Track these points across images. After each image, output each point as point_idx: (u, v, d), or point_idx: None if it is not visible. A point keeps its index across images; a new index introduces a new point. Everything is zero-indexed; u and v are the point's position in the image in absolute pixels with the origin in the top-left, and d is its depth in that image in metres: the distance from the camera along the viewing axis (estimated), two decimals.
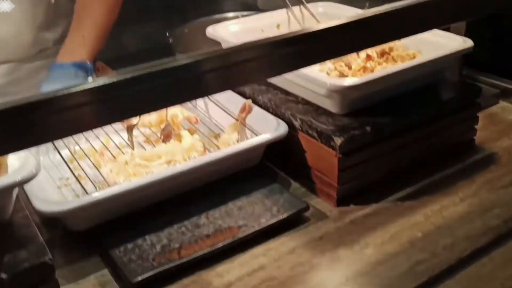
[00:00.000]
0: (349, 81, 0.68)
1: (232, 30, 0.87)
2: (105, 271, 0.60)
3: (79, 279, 0.59)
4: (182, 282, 0.58)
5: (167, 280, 0.57)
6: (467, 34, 0.82)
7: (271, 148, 0.73)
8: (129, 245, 0.61)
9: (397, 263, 0.58)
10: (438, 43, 0.75)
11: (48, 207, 0.57)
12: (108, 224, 0.63)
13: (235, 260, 0.61)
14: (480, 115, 0.89)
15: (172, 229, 0.63)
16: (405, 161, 0.72)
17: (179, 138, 0.74)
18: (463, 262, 0.58)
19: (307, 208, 0.66)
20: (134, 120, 0.75)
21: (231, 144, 0.71)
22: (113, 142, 0.75)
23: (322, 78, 0.71)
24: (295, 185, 0.73)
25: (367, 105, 0.70)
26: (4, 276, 0.45)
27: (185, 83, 0.36)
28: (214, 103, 0.81)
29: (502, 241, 0.61)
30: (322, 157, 0.68)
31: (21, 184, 0.49)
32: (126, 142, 0.75)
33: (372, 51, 0.76)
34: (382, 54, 0.76)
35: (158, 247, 0.60)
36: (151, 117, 0.79)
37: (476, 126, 0.78)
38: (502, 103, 0.91)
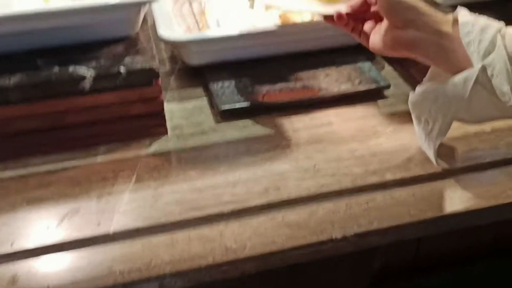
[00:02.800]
0: None
1: None
2: (204, 99, 0.72)
3: (184, 100, 0.72)
4: (259, 118, 0.68)
5: (247, 114, 0.68)
6: None
7: None
8: (226, 83, 0.72)
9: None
10: None
11: (168, 34, 0.71)
12: (214, 65, 0.75)
13: (309, 114, 0.69)
14: None
15: (263, 79, 0.73)
16: None
17: None
18: None
19: (387, 86, 0.71)
20: None
21: None
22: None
23: None
24: (388, 68, 0.78)
25: None
26: (122, 70, 0.60)
27: None
28: None
29: None
30: None
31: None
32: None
33: None
34: None
35: (249, 89, 0.71)
36: None
37: None
38: None
